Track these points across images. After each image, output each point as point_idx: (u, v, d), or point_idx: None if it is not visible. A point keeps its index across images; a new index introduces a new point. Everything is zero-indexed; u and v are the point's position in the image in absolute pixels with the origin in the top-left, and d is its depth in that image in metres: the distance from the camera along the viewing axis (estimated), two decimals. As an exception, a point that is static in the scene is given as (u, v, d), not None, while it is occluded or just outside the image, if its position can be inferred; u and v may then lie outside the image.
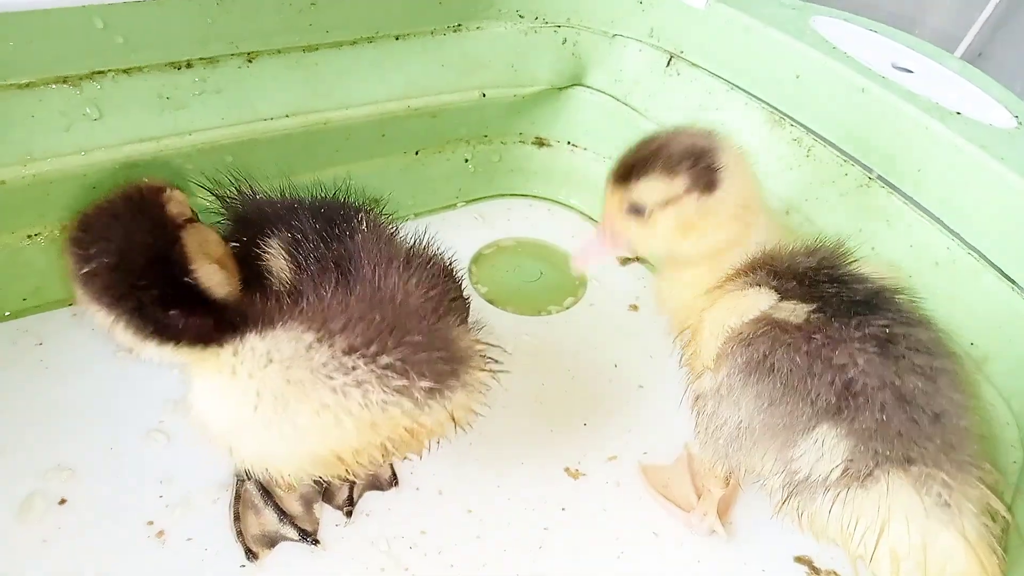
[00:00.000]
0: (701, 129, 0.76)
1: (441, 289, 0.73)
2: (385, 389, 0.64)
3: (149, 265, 0.59)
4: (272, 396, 0.63)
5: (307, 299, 0.66)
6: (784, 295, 0.72)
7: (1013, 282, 0.84)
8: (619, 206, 0.76)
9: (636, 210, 0.75)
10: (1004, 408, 0.83)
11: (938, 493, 0.63)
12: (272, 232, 0.74)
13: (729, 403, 0.72)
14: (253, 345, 0.62)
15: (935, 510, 0.63)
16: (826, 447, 0.66)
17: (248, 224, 0.77)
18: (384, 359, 0.64)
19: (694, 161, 0.73)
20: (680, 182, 0.73)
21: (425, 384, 0.66)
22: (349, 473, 0.70)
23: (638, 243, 0.79)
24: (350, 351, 0.63)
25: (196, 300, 0.60)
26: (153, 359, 0.61)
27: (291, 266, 0.72)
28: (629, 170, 0.75)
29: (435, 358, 0.67)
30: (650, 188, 0.74)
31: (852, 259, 0.76)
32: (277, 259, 0.73)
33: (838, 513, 0.66)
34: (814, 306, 0.70)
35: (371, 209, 0.80)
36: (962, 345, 0.86)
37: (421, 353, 0.66)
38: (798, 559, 0.87)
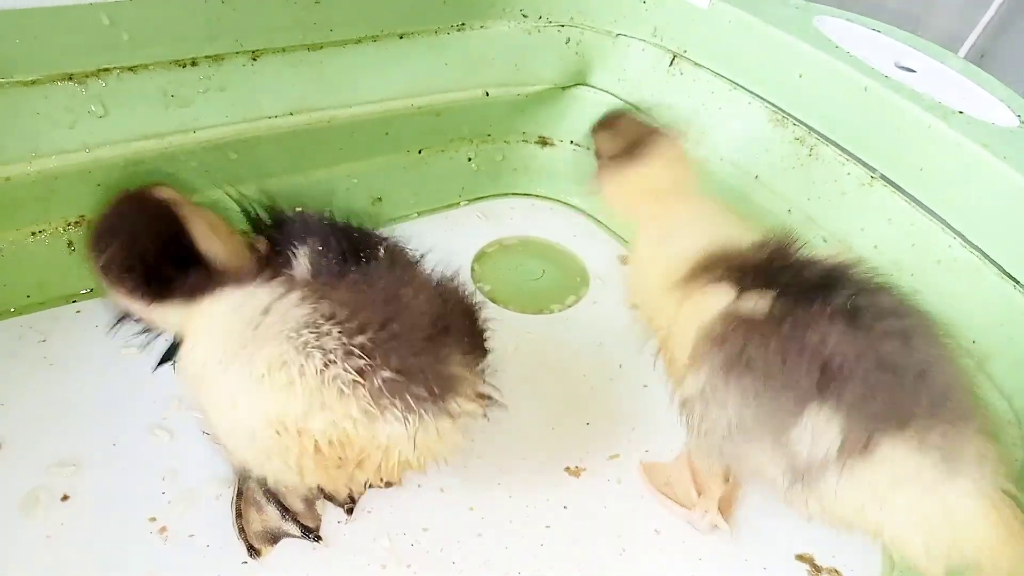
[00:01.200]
0: (671, 119, 0.86)
1: (448, 324, 0.71)
2: (347, 368, 0.62)
3: (144, 240, 0.69)
4: (237, 342, 0.64)
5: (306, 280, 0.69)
6: (744, 288, 0.73)
7: (1015, 280, 0.84)
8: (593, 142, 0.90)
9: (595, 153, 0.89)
10: (1006, 407, 0.83)
11: (937, 447, 0.63)
12: (304, 240, 0.78)
13: (715, 404, 0.72)
14: (231, 292, 0.66)
15: (939, 464, 0.63)
16: (819, 427, 0.66)
17: (286, 229, 0.82)
18: (359, 339, 0.63)
19: (635, 137, 0.84)
20: (612, 146, 0.86)
21: (387, 374, 0.63)
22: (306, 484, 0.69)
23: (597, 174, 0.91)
24: (330, 318, 0.64)
25: (187, 262, 0.69)
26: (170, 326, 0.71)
27: (311, 271, 0.75)
28: (603, 120, 0.89)
29: (407, 352, 0.65)
30: (598, 139, 0.88)
31: (801, 245, 0.76)
32: (300, 262, 0.75)
33: (845, 489, 0.66)
34: (775, 293, 0.70)
35: (397, 243, 0.82)
36: (964, 343, 0.86)
37: (393, 342, 0.64)
38: (799, 557, 0.87)
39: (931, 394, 0.65)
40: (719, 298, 0.73)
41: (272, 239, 0.81)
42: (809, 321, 0.68)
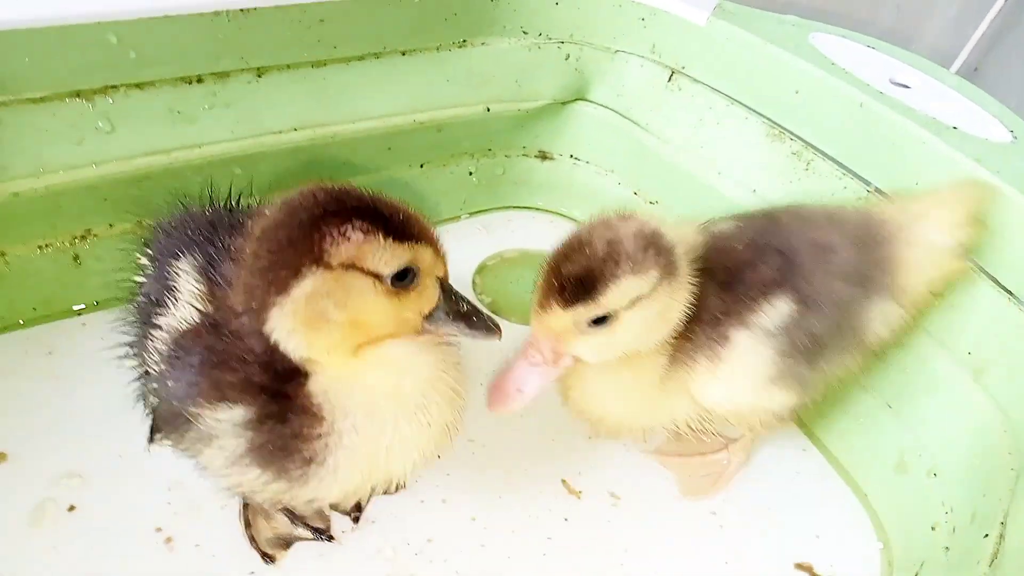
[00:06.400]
0: (622, 214, 0.72)
1: None
2: None
3: None
4: None
5: None
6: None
7: (1010, 293, 0.85)
8: (570, 324, 0.70)
9: (598, 321, 0.70)
10: (1002, 417, 0.84)
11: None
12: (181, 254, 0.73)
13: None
14: None
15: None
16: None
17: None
18: None
19: (656, 250, 0.69)
20: (651, 276, 0.68)
21: None
22: None
23: (594, 353, 0.73)
24: None
25: None
26: None
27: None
28: (583, 283, 0.68)
29: None
30: (620, 293, 0.68)
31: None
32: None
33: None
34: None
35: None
36: (959, 354, 0.87)
37: None
38: (798, 566, 0.87)
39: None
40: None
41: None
42: (749, 245, 0.81)
